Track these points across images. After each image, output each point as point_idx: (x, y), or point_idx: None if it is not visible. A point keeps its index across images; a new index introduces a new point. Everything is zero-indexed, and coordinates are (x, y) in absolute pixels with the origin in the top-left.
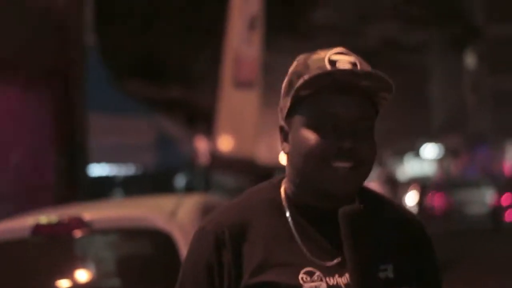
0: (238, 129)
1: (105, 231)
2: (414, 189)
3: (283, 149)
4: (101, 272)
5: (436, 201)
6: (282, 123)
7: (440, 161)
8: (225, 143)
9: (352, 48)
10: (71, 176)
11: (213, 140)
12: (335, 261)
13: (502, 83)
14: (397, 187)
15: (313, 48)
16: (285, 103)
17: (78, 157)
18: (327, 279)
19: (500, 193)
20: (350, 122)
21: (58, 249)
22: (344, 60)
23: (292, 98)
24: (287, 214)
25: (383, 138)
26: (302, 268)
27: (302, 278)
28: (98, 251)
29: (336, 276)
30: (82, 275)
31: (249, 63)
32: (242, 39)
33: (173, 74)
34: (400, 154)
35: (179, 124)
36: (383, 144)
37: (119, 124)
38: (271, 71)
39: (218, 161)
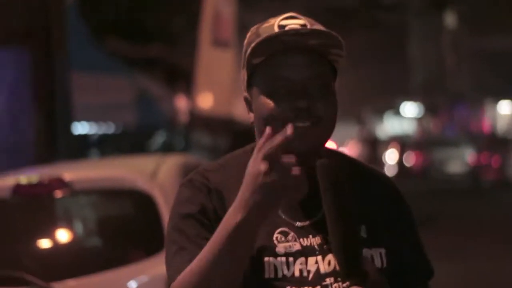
0: (216, 87)
1: (85, 192)
2: (393, 147)
3: (249, 119)
4: (82, 232)
5: (416, 159)
6: (245, 94)
7: (420, 119)
8: (204, 102)
9: (330, 8)
10: (52, 136)
11: (192, 98)
12: (308, 222)
13: (482, 43)
14: (377, 145)
15: (291, 8)
16: (243, 74)
17: (60, 116)
18: (301, 239)
19: (479, 152)
20: (302, 82)
21: (39, 209)
22: (293, 23)
23: (247, 68)
24: None
25: (363, 97)
26: (277, 228)
27: (276, 238)
28: (79, 212)
29: (310, 236)
30: (63, 235)
31: (227, 21)
32: None
33: (153, 32)
34: (379, 112)
35: (159, 83)
36: (362, 102)
37: (99, 82)
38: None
39: (197, 119)
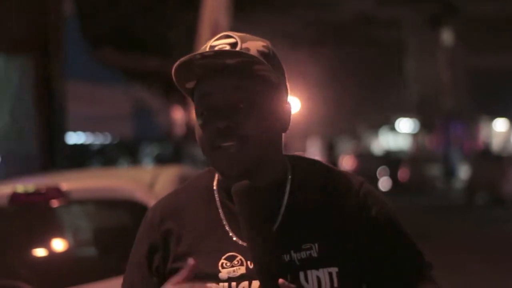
0: None
1: (82, 201)
2: (388, 163)
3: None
4: (78, 241)
5: (410, 175)
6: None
7: (415, 135)
8: None
9: (326, 23)
10: (50, 144)
11: (188, 110)
12: None
13: (477, 60)
14: (371, 160)
15: (288, 22)
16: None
17: (56, 125)
18: (248, 262)
19: (474, 168)
20: (222, 101)
21: (35, 218)
22: (223, 43)
23: (186, 94)
24: (217, 199)
25: (358, 112)
26: (225, 253)
27: (221, 264)
28: (76, 221)
29: None
30: (59, 244)
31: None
32: (219, 11)
33: (150, 44)
34: (375, 127)
35: (156, 95)
36: (358, 118)
37: (97, 93)
38: None
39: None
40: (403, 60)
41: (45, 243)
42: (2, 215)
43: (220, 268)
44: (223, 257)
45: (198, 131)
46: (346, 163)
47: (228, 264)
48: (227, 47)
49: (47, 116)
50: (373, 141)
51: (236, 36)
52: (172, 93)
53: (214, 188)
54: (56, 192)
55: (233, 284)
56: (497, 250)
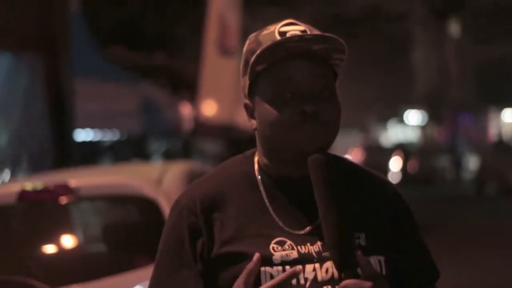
0: (220, 95)
1: (91, 198)
2: (397, 155)
3: (251, 126)
4: (87, 238)
5: (420, 167)
6: (246, 101)
7: (424, 127)
8: (208, 109)
9: (334, 16)
10: (60, 142)
11: (196, 106)
12: (307, 228)
13: (485, 51)
14: (381, 153)
15: (295, 16)
16: (245, 81)
17: (66, 123)
18: (299, 247)
19: (483, 159)
20: (308, 86)
21: (44, 216)
22: (293, 29)
23: (250, 75)
24: (260, 186)
25: (366, 105)
26: (274, 238)
27: (273, 248)
28: (84, 218)
29: (308, 244)
30: (68, 241)
31: (232, 30)
32: (226, 6)
33: (157, 40)
34: (383, 120)
35: (163, 91)
36: (366, 110)
37: (104, 90)
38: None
39: (201, 127)
40: (411, 52)
41: (54, 240)
42: (11, 213)
43: (272, 251)
44: (273, 242)
45: (269, 113)
46: (355, 156)
47: (280, 248)
48: (299, 33)
49: (57, 114)
50: (381, 134)
51: (302, 24)
52: (179, 88)
53: (257, 174)
54: (65, 189)
55: (287, 267)
56: (508, 241)
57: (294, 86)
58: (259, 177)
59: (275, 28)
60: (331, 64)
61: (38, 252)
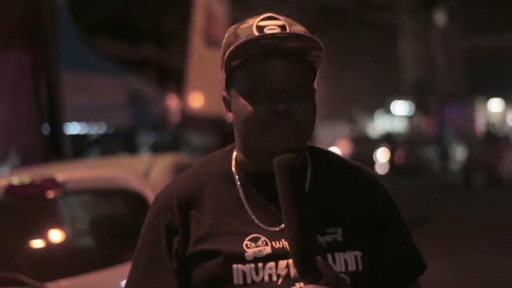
0: (207, 87)
1: (78, 192)
2: (384, 146)
3: (228, 119)
4: (75, 232)
5: (407, 157)
6: (224, 93)
7: (411, 118)
8: (195, 101)
9: (321, 6)
10: (52, 136)
11: (184, 98)
12: (283, 225)
13: (472, 41)
14: (368, 143)
15: (283, 7)
16: (222, 74)
17: (56, 116)
18: (273, 243)
19: (470, 149)
20: (281, 84)
21: (31, 210)
22: (272, 24)
23: (225, 70)
24: (237, 182)
25: (353, 95)
26: (248, 235)
27: (246, 245)
28: (72, 212)
29: (283, 240)
30: (56, 235)
31: (219, 21)
32: None
33: (144, 33)
34: (370, 111)
35: (151, 83)
36: (353, 101)
37: (91, 83)
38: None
39: (189, 119)
40: (398, 42)
41: (41, 234)
42: None
43: (245, 248)
44: (247, 239)
45: (243, 109)
46: (343, 147)
47: (253, 244)
48: (278, 29)
49: (45, 108)
50: (368, 125)
51: (282, 19)
52: (166, 81)
53: (233, 170)
54: (52, 183)
55: (260, 264)
56: (497, 230)
57: (267, 83)
58: (236, 173)
59: (254, 22)
60: (309, 61)
61: (26, 247)
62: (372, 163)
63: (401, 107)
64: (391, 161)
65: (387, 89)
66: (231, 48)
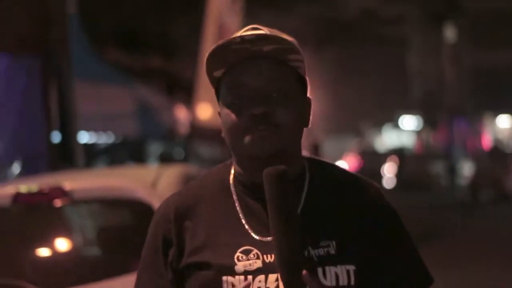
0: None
1: (85, 201)
2: (392, 160)
3: (222, 133)
4: (82, 241)
5: (414, 172)
6: (219, 109)
7: (419, 133)
8: (204, 112)
9: (330, 20)
10: (61, 145)
11: (192, 109)
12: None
13: (481, 56)
14: (376, 158)
15: (293, 21)
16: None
17: (69, 125)
18: (264, 256)
19: (478, 165)
20: (261, 90)
21: (39, 218)
22: (252, 33)
23: (211, 82)
24: (233, 193)
25: (361, 109)
26: (241, 247)
27: (237, 257)
28: (79, 221)
29: (274, 253)
30: (63, 244)
31: (232, 33)
32: (225, 9)
33: (153, 43)
34: (378, 125)
35: (159, 93)
36: (361, 115)
37: (100, 92)
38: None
39: (197, 130)
40: (407, 57)
41: (48, 243)
42: (6, 215)
43: (236, 260)
44: (239, 251)
45: (227, 118)
46: (350, 160)
47: (244, 257)
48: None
49: (56, 116)
50: (376, 139)
51: (265, 29)
52: (175, 91)
53: (231, 182)
54: (59, 192)
55: (249, 277)
56: (505, 246)
57: (246, 91)
58: (233, 184)
59: (238, 33)
60: (292, 67)
61: (33, 255)
62: (379, 177)
63: (409, 122)
64: (399, 175)
65: (396, 103)
66: (207, 55)
